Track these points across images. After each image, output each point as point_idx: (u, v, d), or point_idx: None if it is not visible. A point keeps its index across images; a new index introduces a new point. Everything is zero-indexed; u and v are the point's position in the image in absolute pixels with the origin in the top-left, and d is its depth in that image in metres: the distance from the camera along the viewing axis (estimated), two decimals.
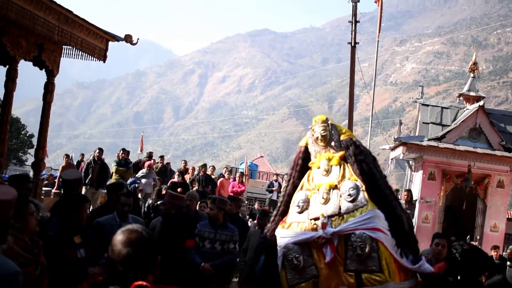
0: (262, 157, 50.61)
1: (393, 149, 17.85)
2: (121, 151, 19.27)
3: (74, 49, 13.61)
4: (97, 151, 17.58)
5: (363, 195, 5.28)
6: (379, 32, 20.85)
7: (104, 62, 14.42)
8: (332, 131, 5.71)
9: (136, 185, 15.95)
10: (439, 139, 17.50)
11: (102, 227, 6.46)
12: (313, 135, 5.77)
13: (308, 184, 5.65)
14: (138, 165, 19.72)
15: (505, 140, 17.63)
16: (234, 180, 20.18)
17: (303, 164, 5.89)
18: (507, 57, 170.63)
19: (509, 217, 23.81)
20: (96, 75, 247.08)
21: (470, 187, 17.62)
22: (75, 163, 21.67)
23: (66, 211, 5.82)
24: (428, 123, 18.66)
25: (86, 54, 13.72)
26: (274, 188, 23.63)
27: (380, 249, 5.05)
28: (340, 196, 5.36)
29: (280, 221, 5.81)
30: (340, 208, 5.30)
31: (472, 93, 19.37)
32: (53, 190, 17.35)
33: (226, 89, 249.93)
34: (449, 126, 18.09)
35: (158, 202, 12.70)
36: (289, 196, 5.82)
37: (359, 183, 5.35)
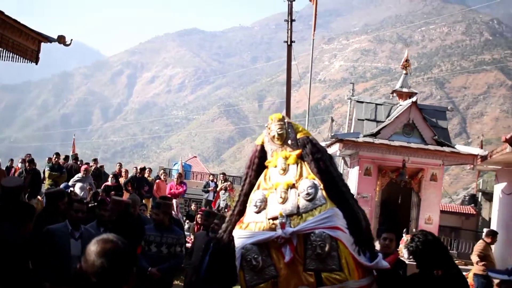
0: (196, 157, 50.41)
1: (329, 146, 18.05)
2: (54, 156, 18.88)
3: (5, 51, 13.24)
4: (27, 159, 17.17)
5: (321, 194, 5.26)
6: (314, 31, 21.03)
7: (36, 64, 14.06)
8: (289, 130, 5.69)
9: (70, 190, 15.64)
10: (374, 135, 17.82)
11: (52, 235, 6.30)
12: (269, 133, 5.73)
13: (265, 183, 5.61)
14: (67, 169, 19.28)
15: (437, 134, 18.10)
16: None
17: (259, 163, 5.83)
18: (431, 54, 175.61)
19: (442, 209, 24.43)
20: (21, 77, 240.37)
21: (405, 181, 18.04)
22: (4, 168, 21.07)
23: (18, 219, 5.68)
24: (363, 120, 18.96)
25: (18, 56, 13.37)
26: (210, 188, 23.53)
27: (340, 247, 5.05)
28: (298, 195, 5.32)
29: (236, 221, 5.75)
30: (298, 207, 5.26)
31: (404, 90, 19.81)
32: None
33: (155, 89, 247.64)
34: (383, 122, 18.42)
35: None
36: (246, 195, 5.75)
37: (317, 181, 5.33)
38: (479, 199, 36.95)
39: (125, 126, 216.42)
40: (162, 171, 23.19)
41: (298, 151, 5.56)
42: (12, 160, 23.38)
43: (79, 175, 17.19)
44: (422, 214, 18.36)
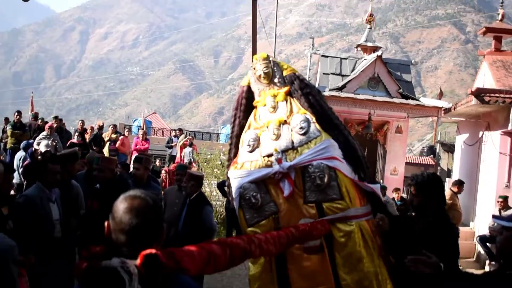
0: (155, 113, 50.02)
1: None
2: (16, 114, 18.57)
3: None
4: None
5: (314, 127, 5.21)
6: None
7: None
8: (274, 68, 5.58)
9: (34, 148, 15.37)
10: (339, 89, 17.81)
11: (32, 201, 6.09)
12: (255, 73, 5.61)
13: (256, 123, 5.52)
14: (30, 127, 18.94)
15: (402, 88, 18.19)
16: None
17: (247, 103, 5.72)
18: (386, 9, 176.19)
19: (407, 161, 24.77)
20: None
21: (371, 134, 18.18)
22: None
23: None
24: (328, 74, 18.93)
25: None
26: (173, 144, 23.45)
27: (339, 177, 5.01)
28: (291, 131, 5.26)
29: None
30: (293, 142, 5.21)
31: (369, 44, 19.81)
32: None
33: (109, 45, 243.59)
34: (348, 76, 18.43)
35: None
36: (237, 137, 5.65)
37: (309, 115, 5.28)
38: (438, 150, 37.72)
39: (79, 83, 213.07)
40: (124, 126, 22.87)
41: (286, 88, 5.47)
42: None
43: (44, 133, 16.81)
44: (388, 166, 18.60)
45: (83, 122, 21.47)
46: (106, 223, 2.51)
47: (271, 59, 5.65)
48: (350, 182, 5.10)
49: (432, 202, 4.95)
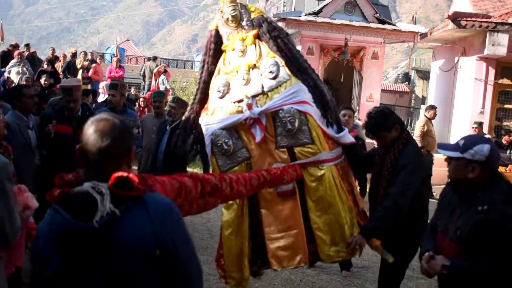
0: (128, 40, 49.26)
1: None
2: None
3: None
4: None
5: (284, 71, 5.12)
6: None
7: None
8: (242, 10, 5.42)
9: (6, 76, 15.14)
10: (316, 13, 17.60)
11: (12, 129, 5.92)
12: (222, 17, 5.45)
13: (225, 67, 5.41)
14: (5, 55, 18.58)
15: (379, 12, 18.03)
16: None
17: (216, 48, 5.56)
18: None
19: (383, 88, 24.78)
20: None
21: (347, 59, 18.10)
22: None
23: None
24: None
25: None
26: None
27: (309, 121, 4.98)
28: (261, 75, 5.17)
29: (198, 109, 5.60)
30: (263, 87, 5.14)
31: None
32: None
33: None
34: (324, 0, 18.19)
35: None
36: (205, 83, 5.56)
37: (278, 59, 5.18)
38: (412, 77, 37.82)
39: (48, 10, 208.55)
40: (97, 54, 22.46)
41: (254, 31, 5.33)
42: None
43: (14, 60, 16.51)
44: (364, 92, 18.59)
45: (53, 50, 21.10)
46: (77, 147, 2.51)
47: (238, 1, 5.49)
48: (320, 126, 5.07)
49: (395, 130, 5.04)
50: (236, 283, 5.26)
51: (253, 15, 5.42)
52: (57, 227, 2.34)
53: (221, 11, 5.51)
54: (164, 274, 2.39)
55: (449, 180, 3.89)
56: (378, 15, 17.89)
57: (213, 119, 5.32)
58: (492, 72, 15.99)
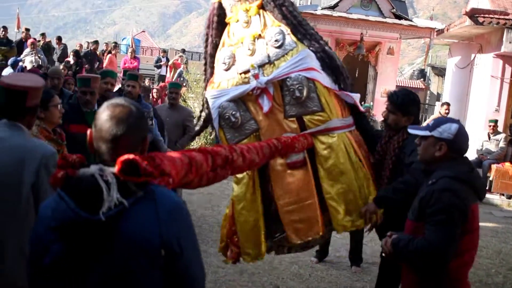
0: (144, 31, 49.32)
1: None
2: (2, 29, 18.19)
3: None
4: None
5: (290, 39, 5.04)
6: None
7: None
8: None
9: (22, 64, 15.19)
10: (332, 7, 17.56)
11: None
12: None
13: (229, 39, 5.36)
14: (21, 43, 18.71)
15: (396, 7, 17.97)
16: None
17: (219, 20, 5.50)
18: None
19: (398, 84, 24.64)
20: None
21: (362, 55, 18.10)
22: None
23: None
24: None
25: None
26: (162, 63, 23.43)
27: (318, 88, 4.89)
28: (267, 44, 5.09)
29: None
30: (269, 56, 5.06)
31: None
32: None
33: None
34: None
35: None
36: (212, 56, 5.51)
37: (284, 27, 5.10)
38: (428, 74, 37.61)
39: (65, 1, 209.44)
40: (113, 45, 22.50)
41: (258, 1, 5.25)
42: None
43: (27, 49, 16.57)
44: (379, 88, 18.54)
45: (81, 45, 21.43)
46: (88, 131, 2.41)
47: None
48: (330, 92, 4.97)
49: (407, 119, 4.90)
50: (251, 259, 5.22)
51: None
52: (61, 216, 2.22)
53: None
54: (167, 275, 2.30)
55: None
56: (395, 10, 17.82)
57: (219, 91, 5.27)
58: (509, 70, 15.85)
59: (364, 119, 5.46)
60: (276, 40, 5.06)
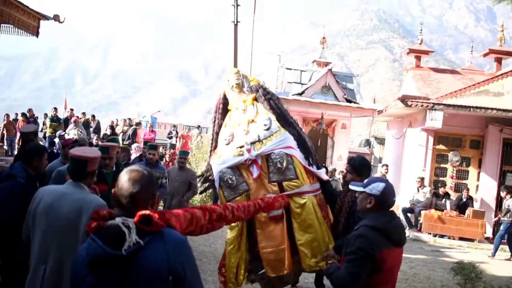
0: (160, 111, 49.49)
1: None
2: (53, 110, 18.42)
3: (11, 26, 12.59)
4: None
5: (275, 124, 5.29)
6: (254, 12, 20.39)
7: (37, 37, 13.40)
8: (243, 79, 5.62)
9: (67, 135, 15.28)
10: (300, 94, 17.84)
11: (64, 174, 5.80)
12: (228, 84, 5.64)
13: (230, 121, 5.58)
14: (66, 120, 18.86)
15: (347, 94, 18.26)
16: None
17: (223, 107, 5.74)
18: (334, 34, 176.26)
19: (350, 150, 24.77)
20: (16, 50, 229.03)
21: (323, 129, 18.31)
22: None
23: (28, 158, 5.16)
24: (292, 83, 18.97)
25: (22, 31, 12.72)
26: (172, 135, 23.58)
27: (294, 161, 5.11)
28: (258, 127, 5.33)
29: None
30: (259, 136, 5.28)
31: (322, 60, 19.84)
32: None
33: (125, 59, 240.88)
34: (306, 84, 18.43)
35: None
36: (217, 134, 5.71)
37: (271, 115, 5.34)
38: (372, 143, 37.89)
39: (101, 88, 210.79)
40: (138, 122, 22.78)
41: (253, 95, 5.52)
42: (16, 114, 22.41)
43: (71, 125, 16.70)
44: (335, 153, 18.68)
45: (114, 121, 21.64)
46: (113, 190, 2.51)
47: (240, 73, 5.65)
48: (302, 166, 5.18)
49: (361, 179, 4.91)
50: (233, 286, 5.27)
51: (252, 83, 5.60)
52: (92, 252, 2.31)
53: (228, 80, 5.65)
54: None
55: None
56: (346, 96, 18.10)
57: (220, 160, 5.41)
58: (431, 140, 16.03)
59: (328, 184, 5.57)
60: (265, 125, 5.28)
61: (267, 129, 5.27)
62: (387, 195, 3.63)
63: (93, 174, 3.86)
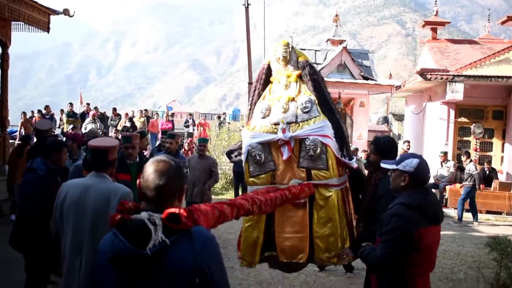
0: (175, 101, 49.61)
1: None
2: (69, 105, 18.47)
3: (22, 23, 12.55)
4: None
5: (316, 108, 4.97)
6: None
7: (48, 32, 13.34)
8: (292, 53, 5.26)
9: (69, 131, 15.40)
10: None
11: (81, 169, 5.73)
12: (275, 55, 5.33)
13: (270, 95, 5.27)
14: (83, 115, 18.94)
15: (363, 71, 17.96)
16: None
17: (265, 78, 5.44)
18: (345, 12, 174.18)
19: (369, 129, 24.51)
20: (29, 48, 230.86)
21: (341, 108, 17.98)
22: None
23: (48, 153, 5.17)
24: None
25: (33, 27, 12.66)
26: (189, 123, 23.53)
27: (328, 151, 4.85)
28: (297, 108, 5.02)
29: None
30: (297, 117, 4.99)
31: (336, 38, 19.49)
32: (16, 142, 16.05)
33: (136, 51, 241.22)
34: (321, 64, 18.13)
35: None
36: (255, 104, 5.44)
37: (313, 97, 5.03)
38: (390, 120, 37.49)
39: (115, 81, 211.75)
40: (155, 112, 22.85)
41: (298, 72, 5.18)
42: (32, 112, 22.48)
43: (89, 119, 16.72)
44: (355, 132, 18.40)
45: (130, 113, 21.74)
46: (138, 181, 2.34)
47: (290, 45, 5.34)
48: (335, 156, 4.93)
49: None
50: (247, 264, 5.13)
51: (300, 59, 5.26)
52: (116, 250, 2.18)
53: (275, 51, 5.37)
54: None
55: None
56: (363, 73, 17.81)
57: (252, 133, 5.17)
58: (452, 113, 15.72)
59: (357, 172, 5.33)
60: (305, 107, 4.99)
61: (307, 112, 4.98)
62: (422, 171, 3.48)
63: (114, 164, 3.83)
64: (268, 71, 5.44)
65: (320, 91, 5.12)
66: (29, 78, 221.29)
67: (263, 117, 5.16)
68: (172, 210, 2.16)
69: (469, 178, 12.79)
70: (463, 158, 13.55)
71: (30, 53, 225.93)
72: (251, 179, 5.13)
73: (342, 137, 5.07)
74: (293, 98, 5.08)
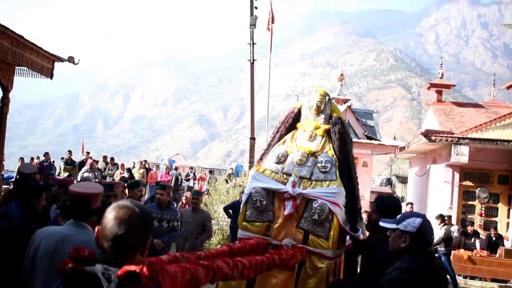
0: (178, 154, 49.66)
1: None
2: (67, 153, 18.39)
3: (26, 69, 12.55)
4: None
5: (334, 170, 4.64)
6: (271, 52, 20.35)
7: (51, 79, 13.29)
8: (327, 105, 5.00)
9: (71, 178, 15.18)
10: None
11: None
12: (309, 101, 5.05)
13: (290, 142, 4.98)
14: (82, 163, 18.81)
15: (367, 131, 17.85)
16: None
17: (292, 122, 5.13)
18: (351, 75, 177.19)
19: (372, 190, 24.19)
20: (38, 97, 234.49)
21: None
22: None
23: (26, 198, 4.85)
24: None
25: (36, 73, 12.65)
26: (190, 177, 23.42)
27: (333, 221, 4.47)
28: (315, 164, 4.70)
29: None
30: (312, 174, 4.66)
31: (341, 97, 19.51)
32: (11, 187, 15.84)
33: (145, 104, 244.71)
34: None
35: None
36: (273, 146, 5.11)
37: (335, 158, 4.72)
38: (393, 182, 37.22)
39: (121, 133, 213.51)
40: (155, 165, 22.80)
41: (327, 126, 4.90)
42: (32, 158, 22.39)
43: (85, 168, 16.64)
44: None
45: (133, 163, 21.60)
46: (96, 228, 2.03)
47: (327, 97, 5.08)
48: (340, 228, 4.54)
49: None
50: None
51: (333, 114, 4.99)
52: None
53: (310, 97, 5.09)
54: None
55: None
56: (367, 133, 17.68)
57: (260, 176, 4.81)
58: (457, 176, 15.44)
59: (360, 242, 4.83)
60: (323, 166, 4.67)
61: (324, 172, 4.66)
62: (425, 232, 3.16)
63: (97, 212, 3.43)
64: (297, 116, 5.16)
65: (345, 153, 4.80)
66: (37, 126, 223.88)
67: (277, 162, 4.85)
68: (132, 267, 1.82)
69: (442, 242, 12.51)
70: (437, 222, 12.98)
71: (39, 102, 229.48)
72: (244, 223, 4.77)
73: (353, 209, 4.68)
74: (314, 152, 4.80)
